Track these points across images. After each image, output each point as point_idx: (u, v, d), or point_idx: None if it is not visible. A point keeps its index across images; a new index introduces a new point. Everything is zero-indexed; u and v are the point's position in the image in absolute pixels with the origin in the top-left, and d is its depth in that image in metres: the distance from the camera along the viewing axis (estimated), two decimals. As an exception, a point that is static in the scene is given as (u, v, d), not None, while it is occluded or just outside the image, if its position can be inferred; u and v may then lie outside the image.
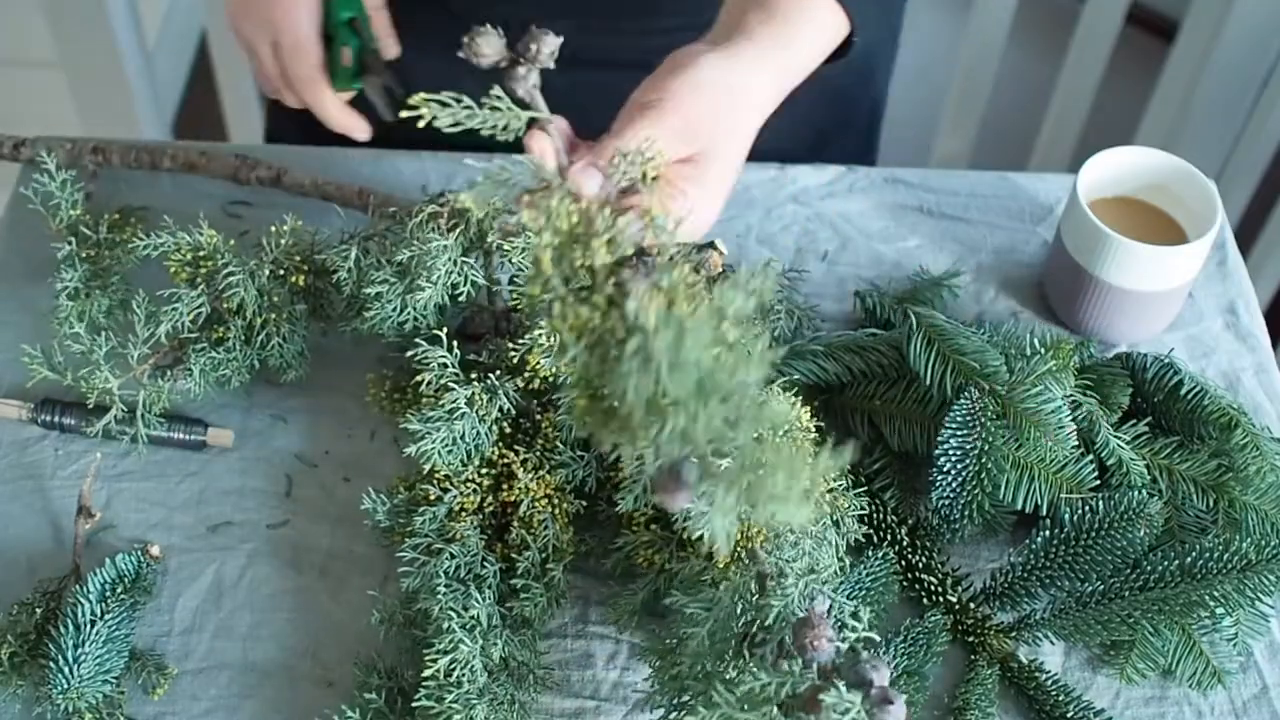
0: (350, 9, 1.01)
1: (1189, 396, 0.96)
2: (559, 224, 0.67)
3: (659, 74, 0.79)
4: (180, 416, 1.01)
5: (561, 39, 0.69)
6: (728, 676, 0.73)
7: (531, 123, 0.72)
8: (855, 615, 0.74)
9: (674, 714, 0.80)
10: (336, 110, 1.02)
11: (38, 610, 0.90)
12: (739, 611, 0.78)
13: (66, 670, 0.85)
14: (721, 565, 0.86)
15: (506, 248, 0.97)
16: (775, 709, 0.70)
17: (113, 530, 0.97)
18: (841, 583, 0.88)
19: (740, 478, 0.65)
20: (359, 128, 1.04)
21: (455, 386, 0.91)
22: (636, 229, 0.69)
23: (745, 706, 0.70)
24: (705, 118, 0.77)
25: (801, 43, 0.84)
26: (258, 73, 1.05)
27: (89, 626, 0.87)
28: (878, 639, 0.75)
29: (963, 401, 0.92)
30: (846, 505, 0.89)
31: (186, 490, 0.99)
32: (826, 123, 1.27)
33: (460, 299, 0.98)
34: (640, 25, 1.16)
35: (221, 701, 0.90)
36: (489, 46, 0.69)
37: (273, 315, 0.99)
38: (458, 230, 0.97)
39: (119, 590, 0.89)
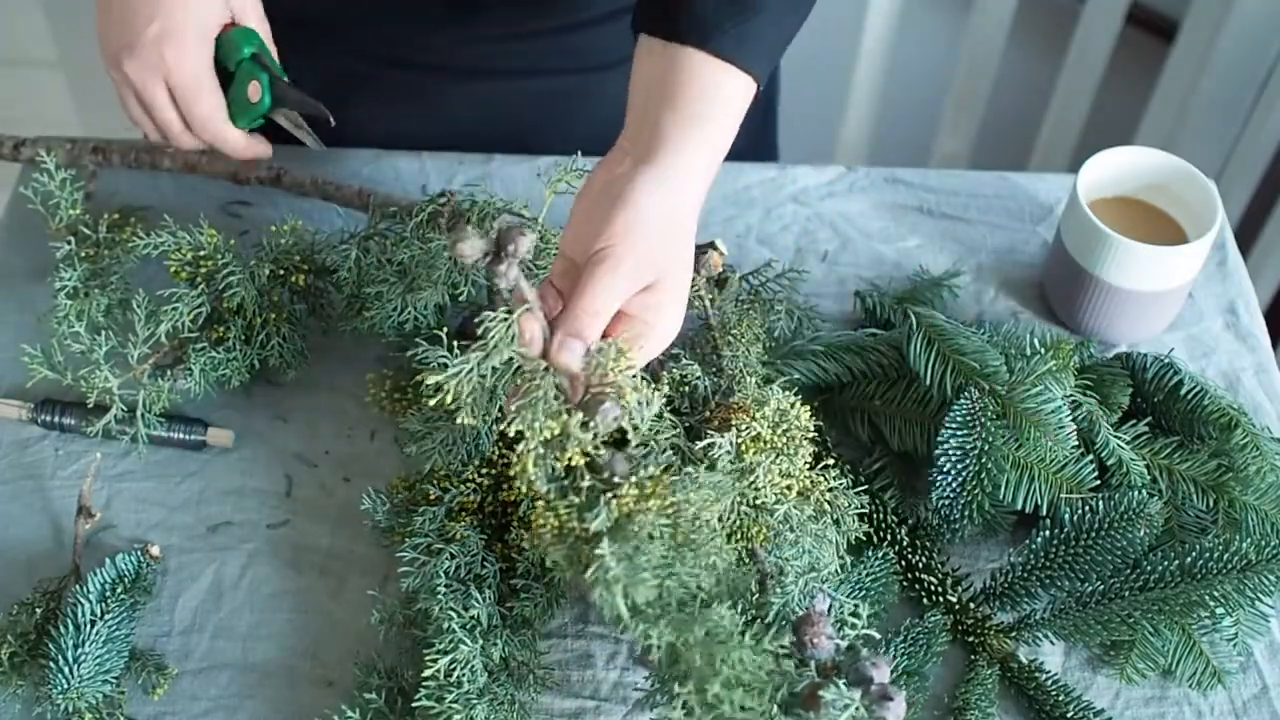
0: (251, 44, 0.97)
1: (1189, 396, 0.96)
2: (543, 433, 0.75)
3: (598, 213, 0.80)
4: (180, 416, 1.01)
5: (536, 235, 0.75)
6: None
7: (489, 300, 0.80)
8: (855, 613, 0.74)
9: (680, 713, 0.80)
10: (242, 142, 0.99)
11: (38, 610, 0.90)
12: (739, 611, 0.78)
13: (66, 670, 0.85)
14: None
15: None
16: (775, 707, 0.70)
17: (113, 530, 0.97)
18: (842, 582, 0.88)
19: (694, 676, 0.72)
20: (265, 151, 1.01)
21: None
22: (614, 415, 0.76)
23: (744, 705, 0.70)
24: (656, 247, 0.79)
25: (718, 124, 0.85)
26: (143, 118, 0.99)
27: (89, 626, 0.87)
28: (878, 636, 0.75)
29: (963, 401, 0.92)
30: (847, 504, 0.89)
31: (186, 490, 0.99)
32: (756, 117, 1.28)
33: (461, 298, 0.98)
34: (515, 31, 1.16)
35: (221, 701, 0.90)
36: (471, 248, 0.74)
37: (273, 315, 0.99)
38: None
39: (119, 590, 0.89)
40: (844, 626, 0.75)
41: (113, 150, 1.11)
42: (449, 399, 0.75)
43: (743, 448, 0.85)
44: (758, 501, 0.85)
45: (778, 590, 0.79)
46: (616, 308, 0.79)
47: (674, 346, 0.98)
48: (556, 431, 0.75)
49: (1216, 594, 0.88)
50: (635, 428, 0.78)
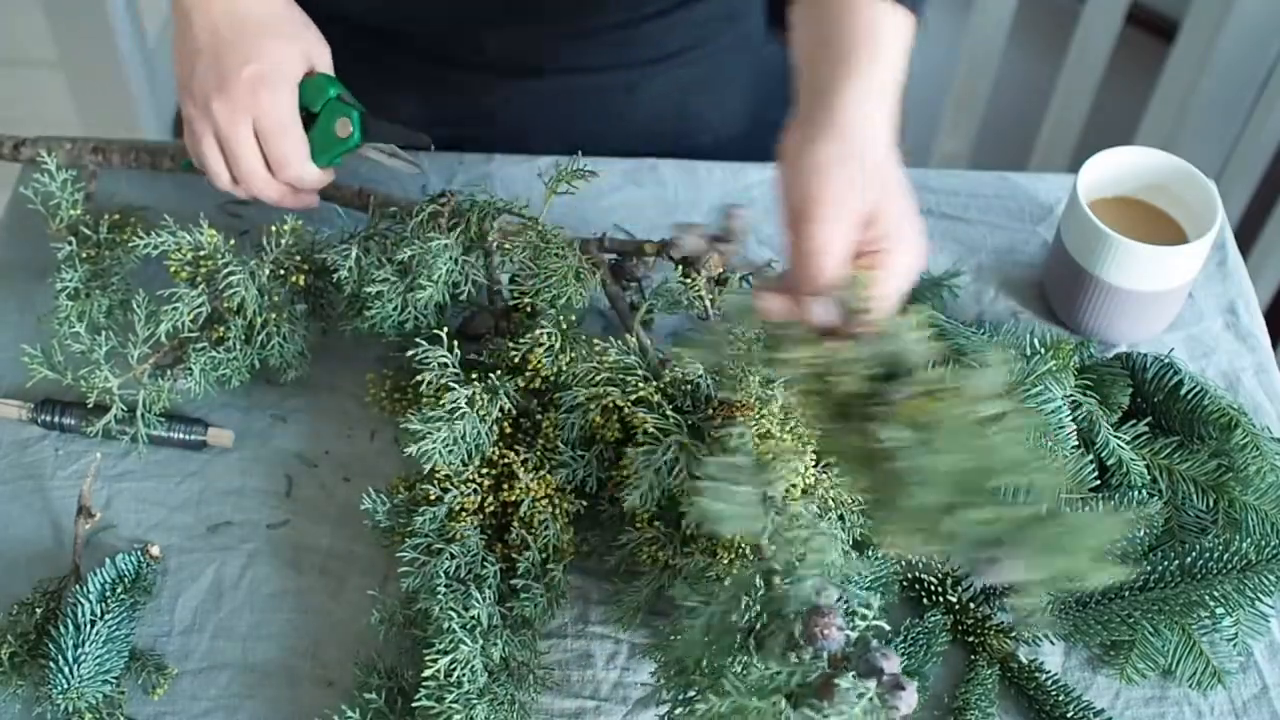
0: (335, 87, 1.00)
1: (1189, 396, 0.96)
2: (809, 372, 0.76)
3: (783, 184, 0.81)
4: (180, 416, 1.01)
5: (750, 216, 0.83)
6: (735, 669, 0.73)
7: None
8: (866, 604, 0.74)
9: (679, 709, 0.80)
10: (319, 178, 1.02)
11: (38, 610, 0.90)
12: (744, 606, 0.78)
13: (66, 670, 0.85)
14: (725, 561, 0.86)
15: (507, 247, 0.97)
16: (783, 699, 0.70)
17: (113, 530, 0.97)
18: (844, 580, 0.88)
19: (1037, 549, 0.71)
20: (329, 178, 1.03)
21: (456, 386, 0.91)
22: (873, 346, 0.76)
23: (756, 696, 0.70)
24: (855, 187, 0.79)
25: (884, 62, 0.85)
26: (218, 162, 0.99)
27: (89, 626, 0.87)
28: (887, 628, 0.75)
29: (965, 402, 0.92)
30: (850, 501, 0.89)
31: (186, 490, 0.99)
32: (774, 110, 1.29)
33: (461, 298, 0.98)
34: (581, 25, 1.17)
35: (221, 701, 0.90)
36: (692, 240, 0.87)
37: (273, 315, 0.99)
38: (458, 229, 0.97)
39: (119, 590, 0.89)
40: (854, 618, 0.75)
41: (113, 150, 1.11)
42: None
43: (755, 443, 0.85)
44: (769, 495, 0.85)
45: (787, 583, 0.79)
46: (841, 249, 0.79)
47: (673, 345, 0.98)
48: (822, 368, 0.77)
49: (1216, 594, 0.88)
50: (906, 356, 0.77)
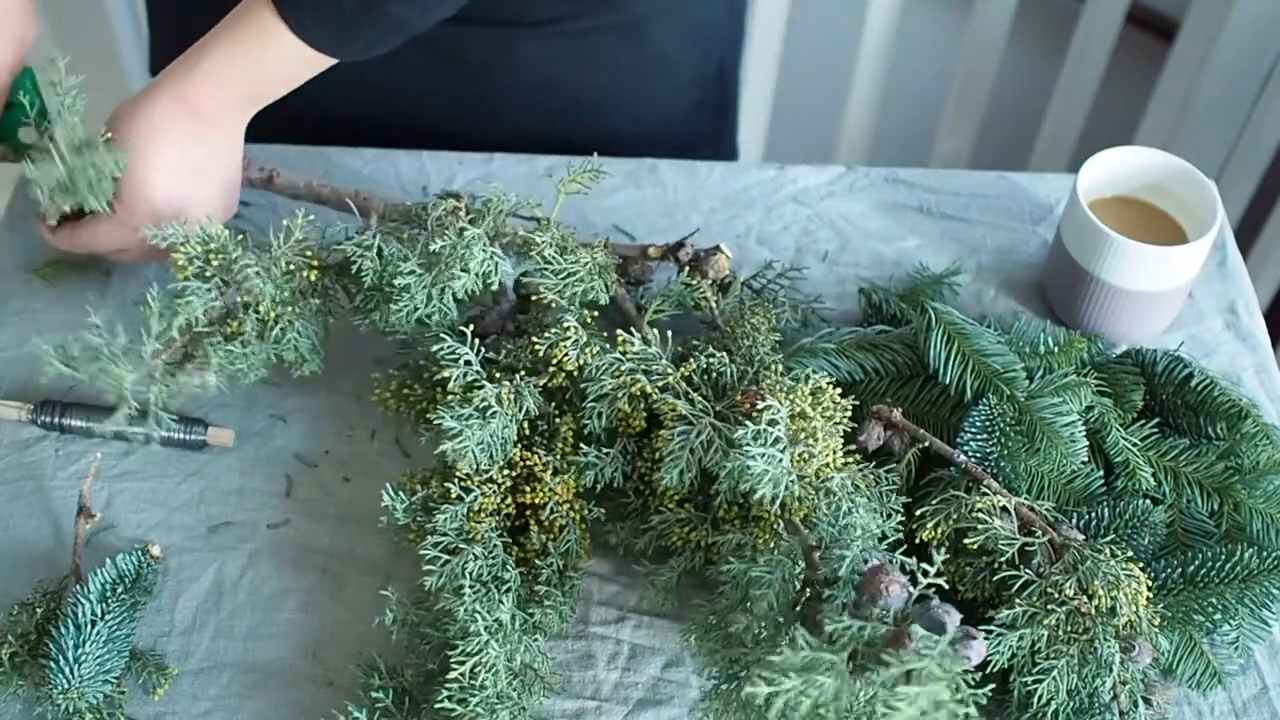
0: (21, 88, 1.05)
1: (1199, 389, 0.96)
2: None
3: None
4: (180, 416, 1.01)
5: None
6: (785, 639, 0.73)
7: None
8: (929, 560, 0.74)
9: (726, 684, 0.80)
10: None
11: (38, 610, 0.90)
12: (786, 577, 0.78)
13: (67, 670, 0.85)
14: (761, 539, 0.86)
15: (539, 241, 0.96)
16: (847, 657, 0.70)
17: (113, 530, 0.97)
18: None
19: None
20: None
21: (487, 384, 0.90)
22: None
23: (828, 650, 0.70)
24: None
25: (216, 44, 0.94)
26: None
27: (89, 626, 0.87)
28: (946, 586, 0.74)
29: (982, 407, 0.92)
30: (876, 481, 0.89)
31: (186, 490, 0.99)
32: (662, 103, 1.28)
33: (492, 288, 0.97)
34: None
35: (222, 701, 0.90)
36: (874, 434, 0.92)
37: (287, 309, 0.97)
38: (482, 224, 0.96)
39: (119, 590, 0.89)
40: (914, 576, 0.74)
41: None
42: None
43: (787, 422, 0.85)
44: (803, 473, 0.85)
45: (835, 555, 0.79)
46: None
47: (692, 338, 0.98)
48: None
49: (1218, 602, 0.88)
50: None
